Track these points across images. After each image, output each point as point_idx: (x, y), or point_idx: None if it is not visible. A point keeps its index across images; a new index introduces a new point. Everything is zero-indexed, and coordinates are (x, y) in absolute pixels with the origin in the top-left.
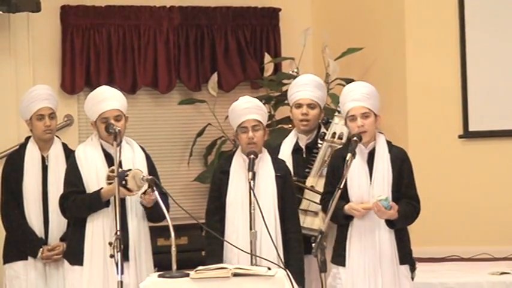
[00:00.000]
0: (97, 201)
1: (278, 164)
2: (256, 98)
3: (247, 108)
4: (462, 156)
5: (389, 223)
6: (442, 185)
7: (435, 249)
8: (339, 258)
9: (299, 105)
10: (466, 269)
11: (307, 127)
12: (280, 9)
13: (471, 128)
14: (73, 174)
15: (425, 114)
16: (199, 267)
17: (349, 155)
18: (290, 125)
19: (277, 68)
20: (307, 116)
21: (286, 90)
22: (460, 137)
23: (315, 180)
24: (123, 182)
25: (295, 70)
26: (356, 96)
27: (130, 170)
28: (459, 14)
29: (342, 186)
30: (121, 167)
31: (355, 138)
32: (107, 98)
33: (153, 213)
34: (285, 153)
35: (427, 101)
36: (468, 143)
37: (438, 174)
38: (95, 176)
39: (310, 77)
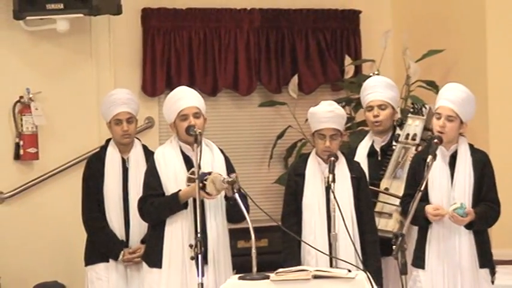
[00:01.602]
0: (175, 203)
1: (353, 166)
2: (337, 100)
3: (328, 117)
4: None
5: (467, 224)
6: None
7: None
8: (419, 261)
9: (370, 108)
10: None
11: (381, 127)
12: (360, 12)
13: None
14: (152, 177)
15: (506, 115)
16: (280, 270)
17: (429, 157)
18: None
19: (357, 70)
20: (378, 118)
21: None
22: None
23: (389, 182)
24: (201, 185)
25: (376, 72)
26: (450, 97)
27: (211, 172)
28: None
29: (422, 189)
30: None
31: (435, 140)
32: (185, 96)
33: (234, 210)
34: (361, 156)
35: (508, 103)
36: None
37: None
38: (173, 178)
39: (379, 78)
